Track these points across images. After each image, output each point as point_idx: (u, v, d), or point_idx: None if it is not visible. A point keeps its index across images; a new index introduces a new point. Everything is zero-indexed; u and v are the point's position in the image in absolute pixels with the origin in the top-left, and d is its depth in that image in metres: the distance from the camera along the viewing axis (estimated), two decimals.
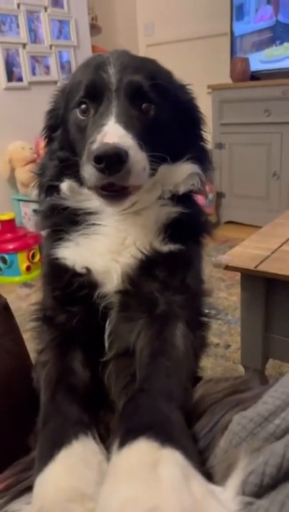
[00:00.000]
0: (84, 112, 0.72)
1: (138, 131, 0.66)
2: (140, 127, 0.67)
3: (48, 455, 0.48)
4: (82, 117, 0.72)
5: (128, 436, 0.45)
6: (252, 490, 0.38)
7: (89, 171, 0.63)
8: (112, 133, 0.62)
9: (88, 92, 0.71)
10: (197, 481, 0.41)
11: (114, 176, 0.62)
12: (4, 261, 2.90)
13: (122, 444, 0.44)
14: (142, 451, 0.43)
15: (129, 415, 0.50)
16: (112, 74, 0.70)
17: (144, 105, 0.70)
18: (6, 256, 2.89)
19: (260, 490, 0.38)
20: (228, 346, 1.98)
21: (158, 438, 0.43)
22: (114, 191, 0.64)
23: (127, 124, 0.65)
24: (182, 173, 0.76)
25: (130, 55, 0.76)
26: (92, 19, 3.88)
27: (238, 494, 0.39)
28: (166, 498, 0.38)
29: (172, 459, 0.42)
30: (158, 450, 0.42)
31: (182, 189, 0.76)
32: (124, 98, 0.68)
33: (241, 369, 1.61)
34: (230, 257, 1.39)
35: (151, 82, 0.71)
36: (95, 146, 0.61)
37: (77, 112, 0.72)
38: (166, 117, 0.74)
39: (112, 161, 0.60)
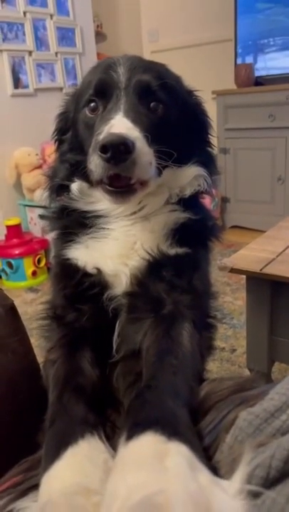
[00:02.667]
0: (93, 110, 0.73)
1: (145, 126, 0.67)
2: (148, 124, 0.68)
3: (55, 454, 0.49)
4: (91, 115, 0.73)
5: (135, 429, 0.45)
6: (258, 483, 0.39)
7: (95, 161, 0.63)
8: (119, 124, 0.63)
9: (97, 90, 0.72)
10: (203, 472, 0.41)
11: (119, 166, 0.62)
12: (10, 266, 2.92)
13: (130, 436, 0.45)
14: (149, 443, 0.43)
15: (136, 410, 0.50)
16: (121, 73, 0.71)
17: (152, 104, 0.71)
18: (12, 261, 2.90)
19: (266, 483, 0.39)
20: (233, 350, 1.98)
21: (165, 432, 0.44)
22: (120, 187, 0.65)
23: (135, 119, 0.66)
24: (188, 176, 0.76)
25: (140, 58, 0.77)
26: (98, 26, 3.92)
27: (245, 486, 0.39)
28: (173, 483, 0.38)
29: (179, 451, 0.42)
30: (165, 443, 0.43)
31: (188, 191, 0.76)
32: (133, 96, 0.70)
33: (247, 373, 1.61)
34: (235, 260, 1.40)
35: (160, 81, 0.72)
36: (101, 136, 0.62)
37: (86, 111, 0.74)
38: (174, 118, 0.74)
39: (118, 150, 0.60)
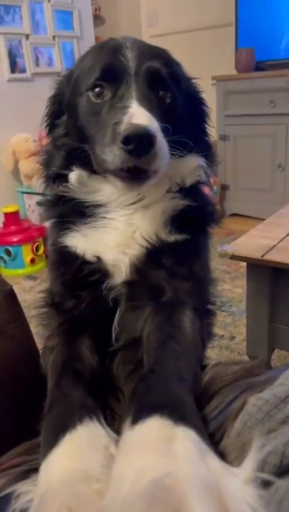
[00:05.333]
0: (98, 95, 0.70)
1: (158, 116, 0.65)
2: (159, 113, 0.66)
3: (53, 440, 0.48)
4: (97, 100, 0.70)
5: (141, 413, 0.45)
6: (271, 470, 0.38)
7: (114, 152, 0.61)
8: (140, 114, 0.61)
9: (105, 74, 0.69)
10: (213, 458, 0.41)
11: (141, 159, 0.60)
12: (8, 253, 2.90)
13: (135, 421, 0.44)
14: (156, 427, 0.43)
15: (141, 395, 0.49)
16: (130, 58, 0.69)
17: (161, 92, 0.69)
18: (11, 248, 2.89)
19: (279, 471, 0.38)
20: (232, 338, 1.98)
21: (171, 417, 0.43)
22: (134, 174, 0.63)
23: (149, 108, 0.64)
24: (188, 166, 0.75)
25: (144, 41, 0.75)
26: (96, 10, 3.84)
27: (256, 474, 0.38)
28: (183, 467, 0.38)
29: (187, 436, 0.42)
30: (172, 428, 0.42)
31: (188, 181, 0.75)
32: (144, 83, 0.67)
33: (246, 360, 1.61)
34: (235, 246, 1.38)
35: (168, 69, 0.70)
36: (123, 127, 0.59)
37: (91, 95, 0.71)
38: (179, 107, 0.73)
39: (142, 142, 0.58)
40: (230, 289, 2.45)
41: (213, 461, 0.40)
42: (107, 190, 0.72)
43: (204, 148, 0.78)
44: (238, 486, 0.38)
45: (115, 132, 0.60)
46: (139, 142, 0.58)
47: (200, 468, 0.38)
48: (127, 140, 0.58)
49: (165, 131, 0.65)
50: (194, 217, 0.75)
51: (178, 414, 0.44)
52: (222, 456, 0.43)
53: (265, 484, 0.37)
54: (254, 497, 0.37)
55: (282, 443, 0.38)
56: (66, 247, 0.72)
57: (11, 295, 0.83)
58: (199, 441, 0.42)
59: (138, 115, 0.60)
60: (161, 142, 0.62)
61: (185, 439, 0.41)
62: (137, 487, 0.37)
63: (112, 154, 0.61)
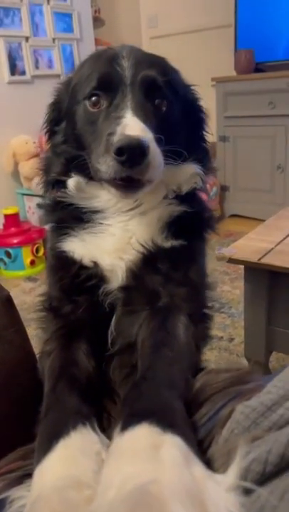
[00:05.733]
0: (95, 104, 0.71)
1: (153, 125, 0.65)
2: (154, 122, 0.67)
3: (47, 446, 0.49)
4: (93, 109, 0.71)
5: (131, 420, 0.45)
6: (254, 478, 0.39)
7: (108, 163, 0.62)
8: (133, 125, 0.62)
9: (101, 83, 0.70)
10: (197, 465, 0.41)
11: (134, 169, 0.61)
12: (8, 255, 2.91)
13: (125, 427, 0.45)
14: (144, 434, 0.43)
15: (131, 401, 0.50)
16: (126, 67, 0.69)
17: (157, 101, 0.70)
18: (11, 250, 2.89)
19: (262, 478, 0.39)
20: (231, 339, 1.98)
21: (160, 424, 0.44)
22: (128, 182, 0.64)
23: (144, 118, 0.64)
24: (185, 173, 0.76)
25: (141, 50, 0.75)
26: (95, 12, 3.85)
27: (240, 481, 0.39)
28: (167, 474, 0.39)
29: (173, 443, 0.42)
30: (160, 435, 0.43)
31: (185, 188, 0.76)
32: (139, 92, 0.68)
33: (245, 362, 1.61)
34: (233, 249, 1.39)
35: (164, 77, 0.71)
36: (116, 138, 0.60)
37: (87, 104, 0.71)
38: (176, 115, 0.73)
39: (135, 153, 0.59)
40: (230, 290, 2.45)
41: (198, 468, 0.41)
42: (104, 197, 0.73)
43: (202, 155, 0.79)
44: (220, 494, 0.38)
45: (109, 143, 0.61)
46: (131, 153, 0.59)
47: (184, 476, 0.39)
48: (120, 151, 0.59)
49: (160, 140, 0.65)
50: (191, 223, 0.75)
51: (166, 421, 0.44)
52: (209, 462, 0.44)
53: (248, 491, 0.38)
54: (235, 504, 0.37)
55: (265, 451, 0.39)
56: (64, 252, 0.73)
57: (8, 300, 0.84)
58: (185, 448, 0.42)
59: (131, 126, 0.61)
60: (155, 152, 0.62)
61: (172, 446, 0.42)
62: (122, 493, 0.37)
63: (106, 165, 0.62)
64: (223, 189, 3.68)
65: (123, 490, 0.38)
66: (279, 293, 1.41)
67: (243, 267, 1.45)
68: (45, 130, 0.83)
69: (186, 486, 0.38)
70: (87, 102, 0.71)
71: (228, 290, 2.45)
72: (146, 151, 0.60)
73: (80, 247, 0.73)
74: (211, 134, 0.85)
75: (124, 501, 0.37)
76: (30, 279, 2.87)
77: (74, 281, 0.71)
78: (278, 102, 3.23)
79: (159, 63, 0.74)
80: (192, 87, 0.81)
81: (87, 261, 0.71)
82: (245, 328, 1.53)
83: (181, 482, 0.38)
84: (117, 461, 0.42)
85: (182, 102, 0.76)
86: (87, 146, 0.71)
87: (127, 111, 0.64)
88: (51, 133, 0.82)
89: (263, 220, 1.70)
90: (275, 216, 1.76)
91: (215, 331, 1.92)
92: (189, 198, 0.77)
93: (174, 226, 0.74)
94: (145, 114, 0.65)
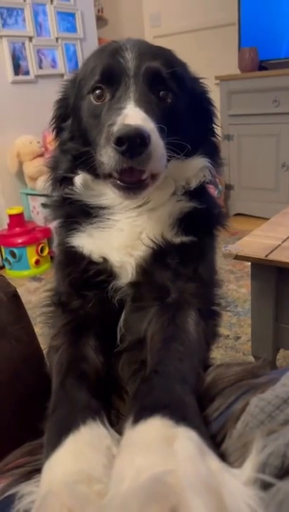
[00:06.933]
0: (99, 98, 0.70)
1: (156, 117, 0.64)
2: (158, 114, 0.66)
3: (56, 441, 0.48)
4: (97, 103, 0.70)
5: (143, 413, 0.45)
6: (272, 471, 0.38)
7: (108, 153, 0.61)
8: (134, 115, 0.61)
9: (104, 76, 0.69)
10: (213, 458, 0.41)
11: (134, 160, 0.60)
12: (13, 255, 2.91)
13: (137, 420, 0.44)
14: (157, 427, 0.43)
15: (143, 394, 0.50)
16: (129, 59, 0.68)
17: (161, 92, 0.69)
18: (15, 250, 2.90)
19: (281, 472, 0.38)
20: (237, 338, 1.97)
21: (173, 417, 0.43)
22: (131, 183, 0.63)
23: (147, 108, 0.63)
24: (194, 168, 0.75)
25: (146, 42, 0.75)
26: (98, 11, 3.85)
27: (257, 475, 0.38)
28: (182, 465, 0.38)
29: (187, 436, 0.42)
30: (173, 428, 0.42)
31: (194, 183, 0.75)
32: (143, 84, 0.67)
33: (251, 360, 1.60)
34: (240, 246, 1.38)
35: (169, 69, 0.70)
36: (116, 128, 0.59)
37: (91, 98, 0.71)
38: (183, 107, 0.72)
39: (135, 143, 0.58)
40: (235, 288, 2.44)
41: (214, 461, 0.40)
42: (111, 194, 0.72)
43: (210, 149, 0.78)
44: (238, 487, 0.37)
45: (109, 134, 0.60)
46: (131, 143, 0.58)
47: (200, 468, 0.38)
48: (120, 141, 0.58)
49: (163, 132, 0.64)
50: (200, 220, 0.75)
51: (179, 415, 0.44)
52: (223, 457, 0.43)
53: (266, 486, 0.37)
54: (254, 498, 0.36)
55: (283, 444, 0.38)
56: (73, 247, 0.73)
57: (15, 296, 0.84)
58: (200, 441, 0.42)
59: (132, 116, 0.60)
60: (157, 142, 0.61)
61: (185, 439, 0.41)
62: (136, 484, 0.37)
63: (107, 156, 0.61)
64: (228, 188, 3.67)
65: (137, 481, 0.37)
66: (286, 290, 1.40)
67: (248, 265, 1.44)
68: (53, 127, 0.82)
69: (203, 477, 0.37)
70: (91, 96, 0.71)
71: (233, 289, 2.44)
72: (147, 141, 0.59)
73: (89, 242, 0.72)
74: (221, 126, 0.84)
75: (139, 492, 0.36)
76: (35, 278, 2.87)
77: (83, 276, 0.70)
78: (283, 100, 3.22)
79: (164, 55, 0.73)
80: (200, 80, 0.80)
81: (96, 256, 0.70)
82: (252, 325, 1.52)
83: (197, 474, 0.37)
84: (130, 453, 0.41)
85: (189, 95, 0.74)
86: (92, 141, 0.71)
87: (128, 102, 0.64)
88: (58, 129, 0.81)
89: (268, 219, 1.69)
90: (281, 213, 1.75)
91: (221, 330, 1.91)
92: (199, 194, 0.76)
93: (183, 222, 0.73)
94: (148, 106, 0.65)
